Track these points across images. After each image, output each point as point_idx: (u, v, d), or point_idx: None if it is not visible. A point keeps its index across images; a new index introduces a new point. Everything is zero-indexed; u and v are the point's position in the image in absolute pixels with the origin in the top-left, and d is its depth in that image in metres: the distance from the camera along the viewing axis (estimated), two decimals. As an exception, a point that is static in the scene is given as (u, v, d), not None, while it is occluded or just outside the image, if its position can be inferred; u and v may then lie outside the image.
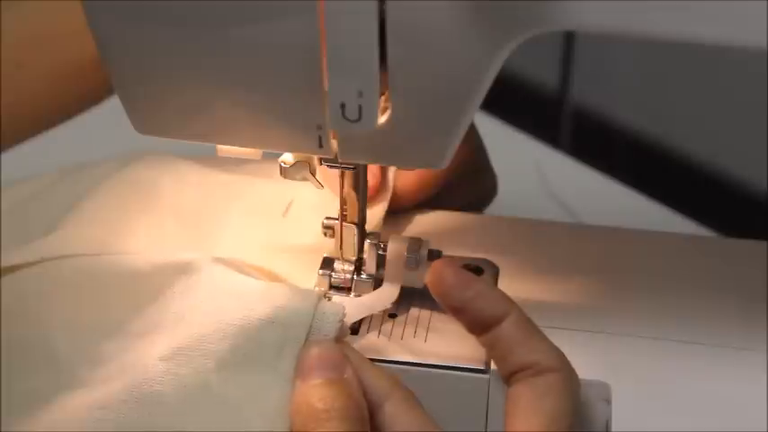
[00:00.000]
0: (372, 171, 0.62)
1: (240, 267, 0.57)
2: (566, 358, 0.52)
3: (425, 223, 0.66)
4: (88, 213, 0.62)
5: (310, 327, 0.52)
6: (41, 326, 0.56)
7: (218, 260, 0.57)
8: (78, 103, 0.76)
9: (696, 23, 0.45)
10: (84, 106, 0.76)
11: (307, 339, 0.52)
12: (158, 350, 0.52)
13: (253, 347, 0.52)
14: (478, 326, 0.53)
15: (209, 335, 0.52)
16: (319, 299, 0.54)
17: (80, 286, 0.57)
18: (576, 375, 0.52)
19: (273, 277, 0.57)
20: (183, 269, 0.56)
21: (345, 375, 0.51)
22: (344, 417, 0.49)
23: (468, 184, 0.69)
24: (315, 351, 0.52)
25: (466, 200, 0.69)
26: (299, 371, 0.51)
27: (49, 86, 0.73)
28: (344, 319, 0.54)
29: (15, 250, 0.59)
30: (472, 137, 0.69)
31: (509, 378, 0.52)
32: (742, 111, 1.29)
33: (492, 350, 0.53)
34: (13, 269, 0.59)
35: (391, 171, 0.64)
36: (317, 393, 0.50)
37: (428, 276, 0.55)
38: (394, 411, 0.51)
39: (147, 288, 0.56)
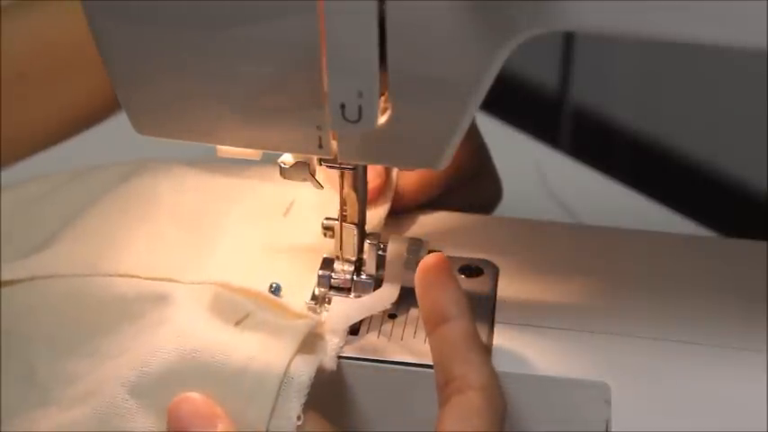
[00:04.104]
0: (377, 170, 0.62)
1: (224, 296, 0.57)
2: (495, 379, 0.51)
3: (426, 224, 0.66)
4: (86, 227, 0.62)
5: (281, 382, 0.52)
6: (25, 341, 0.57)
7: (200, 289, 0.57)
8: (84, 117, 0.75)
9: (696, 24, 0.45)
10: (89, 120, 0.76)
11: (278, 393, 0.52)
12: (126, 375, 0.53)
13: (223, 391, 0.52)
14: (431, 318, 0.53)
15: (183, 372, 0.53)
16: (294, 354, 0.53)
17: (65, 306, 0.58)
18: (502, 397, 0.51)
19: (264, 298, 0.57)
20: (159, 300, 0.56)
21: (219, 429, 0.51)
22: None
23: (469, 188, 0.69)
24: (185, 408, 0.51)
25: (467, 203, 0.69)
26: (171, 424, 0.51)
27: (53, 98, 0.73)
28: (323, 362, 0.54)
29: (10, 265, 0.59)
30: (474, 139, 0.69)
31: (441, 393, 0.52)
32: (742, 111, 1.29)
33: (433, 352, 0.53)
34: (6, 283, 0.59)
35: (394, 171, 0.64)
36: None
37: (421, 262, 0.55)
38: None
39: (124, 313, 0.56)
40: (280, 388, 0.52)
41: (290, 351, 0.53)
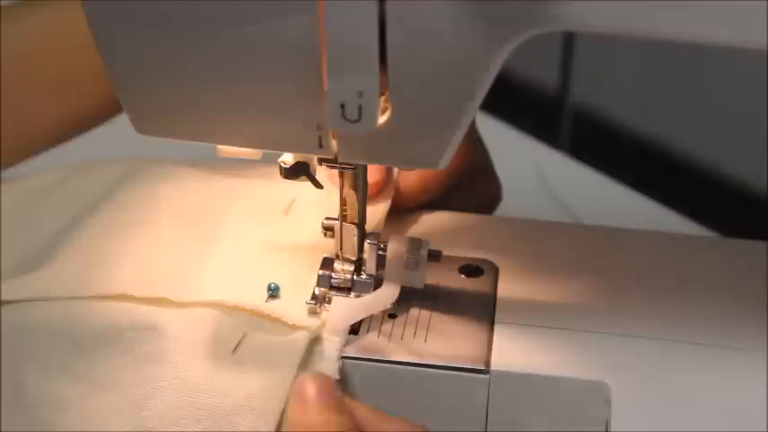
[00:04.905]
0: (378, 166, 0.62)
1: (219, 321, 0.57)
2: None
3: (426, 223, 0.66)
4: (89, 234, 0.62)
5: (282, 413, 0.52)
6: (16, 362, 0.57)
7: (195, 314, 0.57)
8: (84, 117, 0.75)
9: (696, 23, 0.45)
10: (89, 120, 0.76)
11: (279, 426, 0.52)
12: (124, 419, 0.53)
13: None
14: None
15: (180, 419, 0.53)
16: (292, 384, 0.53)
17: (58, 329, 0.57)
18: None
19: (258, 314, 0.57)
20: (151, 331, 0.56)
21: (346, 402, 0.51)
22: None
23: (469, 188, 0.69)
24: (313, 381, 0.51)
25: (467, 203, 0.69)
26: (297, 391, 0.51)
27: (55, 99, 0.73)
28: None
29: (10, 282, 0.59)
30: (473, 140, 0.69)
31: None
32: (742, 111, 1.29)
33: None
34: (5, 302, 0.59)
35: (395, 169, 0.65)
36: (315, 412, 0.50)
37: None
38: None
39: (116, 341, 0.56)
40: (280, 423, 0.52)
41: (289, 380, 0.53)
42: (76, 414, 0.54)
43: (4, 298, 0.59)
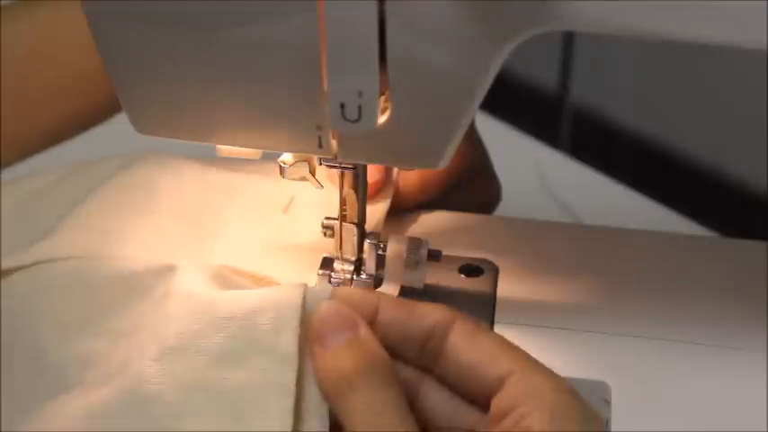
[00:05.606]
0: (377, 166, 0.62)
1: (227, 276, 0.57)
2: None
3: (426, 223, 0.66)
4: (85, 218, 0.62)
5: (303, 306, 0.51)
6: (31, 326, 0.56)
7: (205, 268, 0.57)
8: (83, 117, 0.75)
9: (696, 23, 0.45)
10: (89, 120, 0.76)
11: (301, 319, 0.51)
12: (149, 351, 0.52)
13: (246, 335, 0.51)
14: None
15: (201, 330, 0.51)
16: (306, 287, 0.52)
17: (70, 287, 0.57)
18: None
19: (266, 282, 0.57)
20: (166, 272, 0.56)
21: (361, 332, 0.49)
22: (374, 375, 0.48)
23: (469, 188, 0.69)
24: (326, 312, 0.49)
25: (467, 203, 0.69)
26: (315, 336, 0.49)
27: (54, 98, 0.73)
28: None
29: (11, 255, 0.59)
30: (473, 139, 0.69)
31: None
32: (742, 111, 1.29)
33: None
34: (8, 272, 0.59)
35: (395, 169, 0.64)
36: (342, 357, 0.48)
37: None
38: (458, 342, 0.48)
39: (133, 288, 0.56)
40: (303, 308, 0.51)
41: (304, 286, 0.52)
42: (105, 366, 0.53)
43: (7, 266, 0.58)
